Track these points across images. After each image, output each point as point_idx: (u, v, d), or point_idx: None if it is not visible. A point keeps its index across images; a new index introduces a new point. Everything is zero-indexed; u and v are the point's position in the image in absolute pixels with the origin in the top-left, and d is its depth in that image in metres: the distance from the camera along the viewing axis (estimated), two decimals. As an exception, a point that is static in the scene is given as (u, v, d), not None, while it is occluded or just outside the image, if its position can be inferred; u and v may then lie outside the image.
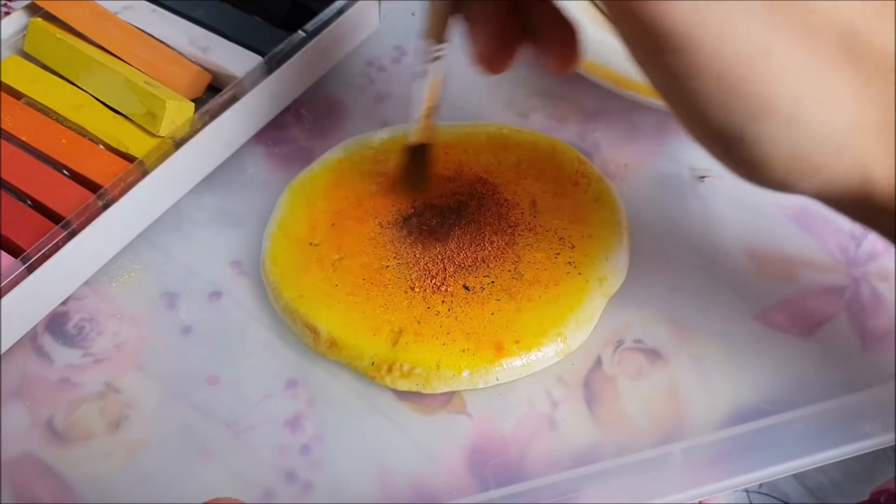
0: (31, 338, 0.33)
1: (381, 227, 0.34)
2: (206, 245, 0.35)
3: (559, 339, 0.31)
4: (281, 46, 0.37)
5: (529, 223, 0.34)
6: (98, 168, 0.33)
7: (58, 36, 0.36)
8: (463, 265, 0.33)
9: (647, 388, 0.31)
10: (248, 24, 0.39)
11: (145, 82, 0.35)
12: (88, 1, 0.38)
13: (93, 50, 0.37)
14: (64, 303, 0.33)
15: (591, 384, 0.31)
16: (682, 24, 0.20)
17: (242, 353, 0.32)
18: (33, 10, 0.38)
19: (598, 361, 0.32)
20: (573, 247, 0.33)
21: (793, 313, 0.33)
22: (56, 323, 0.33)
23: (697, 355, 0.32)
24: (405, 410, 0.31)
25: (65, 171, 0.34)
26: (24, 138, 0.34)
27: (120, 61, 0.37)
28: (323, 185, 0.36)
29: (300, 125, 0.39)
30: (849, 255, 0.34)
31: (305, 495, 0.29)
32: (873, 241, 0.35)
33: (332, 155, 0.37)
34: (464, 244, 0.33)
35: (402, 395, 0.31)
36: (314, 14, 0.38)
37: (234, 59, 0.37)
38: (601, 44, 0.36)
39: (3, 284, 0.30)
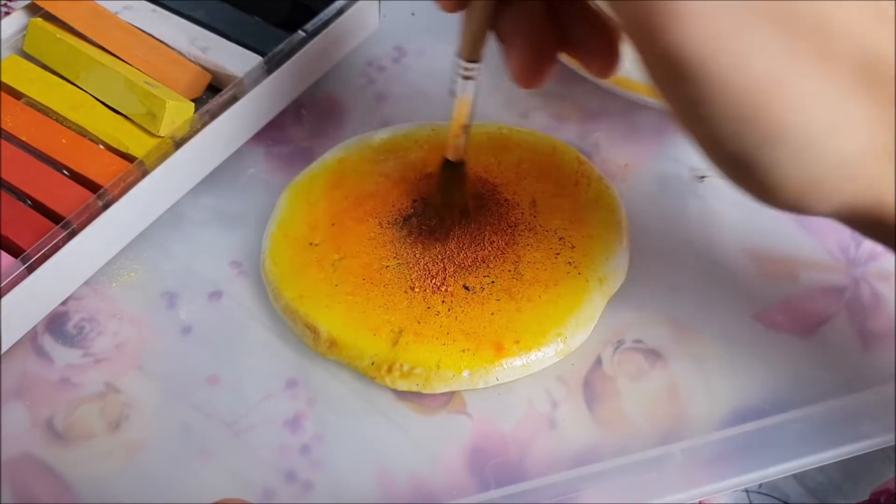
0: (31, 338, 0.33)
1: (381, 227, 0.34)
2: (205, 245, 0.35)
3: (559, 339, 0.31)
4: (281, 46, 0.37)
5: (529, 223, 0.34)
6: (98, 168, 0.33)
7: (58, 36, 0.36)
8: (463, 265, 0.33)
9: (647, 388, 0.31)
10: (248, 24, 0.39)
11: (145, 82, 0.35)
12: (88, 1, 0.38)
13: (93, 50, 0.37)
14: (64, 303, 0.33)
15: (591, 384, 0.31)
16: (699, 55, 0.19)
17: (242, 353, 0.32)
18: (33, 10, 0.38)
19: (598, 361, 0.32)
20: (573, 247, 0.33)
21: (793, 313, 0.33)
22: (56, 323, 0.33)
23: (697, 355, 0.32)
24: (405, 410, 0.31)
25: (65, 171, 0.34)
26: (24, 138, 0.34)
27: (120, 61, 0.37)
28: (323, 185, 0.36)
29: (300, 125, 0.39)
30: (849, 255, 0.34)
31: (305, 495, 0.29)
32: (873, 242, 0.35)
33: (332, 155, 0.37)
34: (464, 244, 0.33)
35: (402, 395, 0.31)
36: (314, 14, 0.38)
37: (234, 59, 0.37)
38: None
39: (3, 284, 0.30)
